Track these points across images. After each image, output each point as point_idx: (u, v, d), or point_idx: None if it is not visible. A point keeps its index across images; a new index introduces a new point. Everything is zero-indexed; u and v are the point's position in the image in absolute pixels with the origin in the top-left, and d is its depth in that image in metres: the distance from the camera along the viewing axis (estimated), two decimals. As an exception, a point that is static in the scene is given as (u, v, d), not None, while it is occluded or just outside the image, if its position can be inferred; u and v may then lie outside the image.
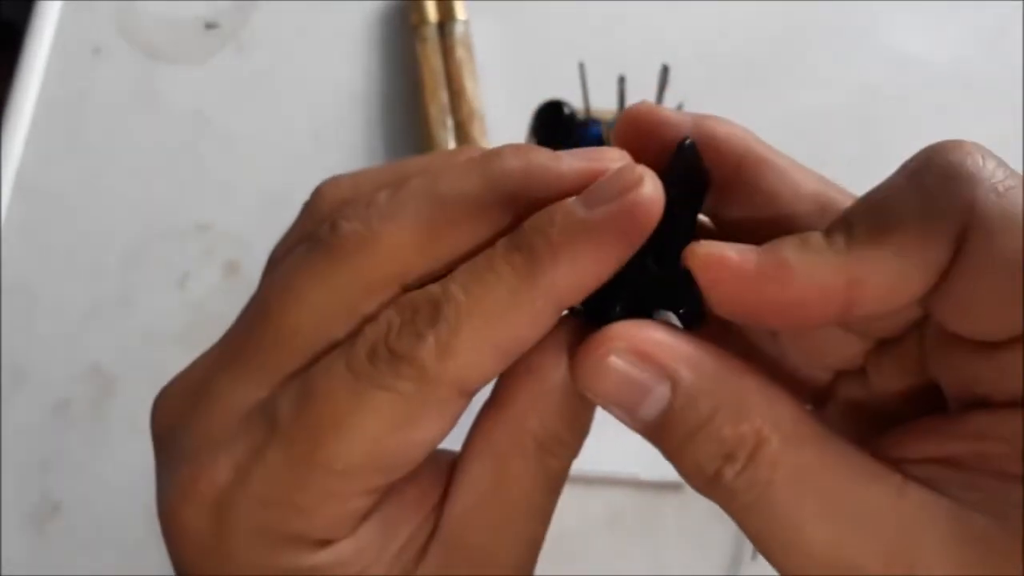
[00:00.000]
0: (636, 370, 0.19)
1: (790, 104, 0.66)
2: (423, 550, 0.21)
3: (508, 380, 0.21)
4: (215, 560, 0.21)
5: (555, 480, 0.22)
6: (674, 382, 0.19)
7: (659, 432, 0.20)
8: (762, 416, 0.19)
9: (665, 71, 0.52)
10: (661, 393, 0.19)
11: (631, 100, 0.54)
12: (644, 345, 0.19)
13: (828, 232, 0.19)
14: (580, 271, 0.19)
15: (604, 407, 0.20)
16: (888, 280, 0.19)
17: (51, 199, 0.65)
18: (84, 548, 0.55)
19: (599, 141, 0.57)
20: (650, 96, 0.53)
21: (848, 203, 0.21)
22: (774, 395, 0.19)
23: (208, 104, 0.68)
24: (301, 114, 0.67)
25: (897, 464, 0.19)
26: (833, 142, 0.64)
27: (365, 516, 0.21)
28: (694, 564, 0.54)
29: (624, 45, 0.67)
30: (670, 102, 0.53)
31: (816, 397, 0.24)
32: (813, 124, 0.65)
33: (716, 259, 0.19)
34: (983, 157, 0.19)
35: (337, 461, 0.19)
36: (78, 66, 0.69)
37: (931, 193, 0.19)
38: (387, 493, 0.21)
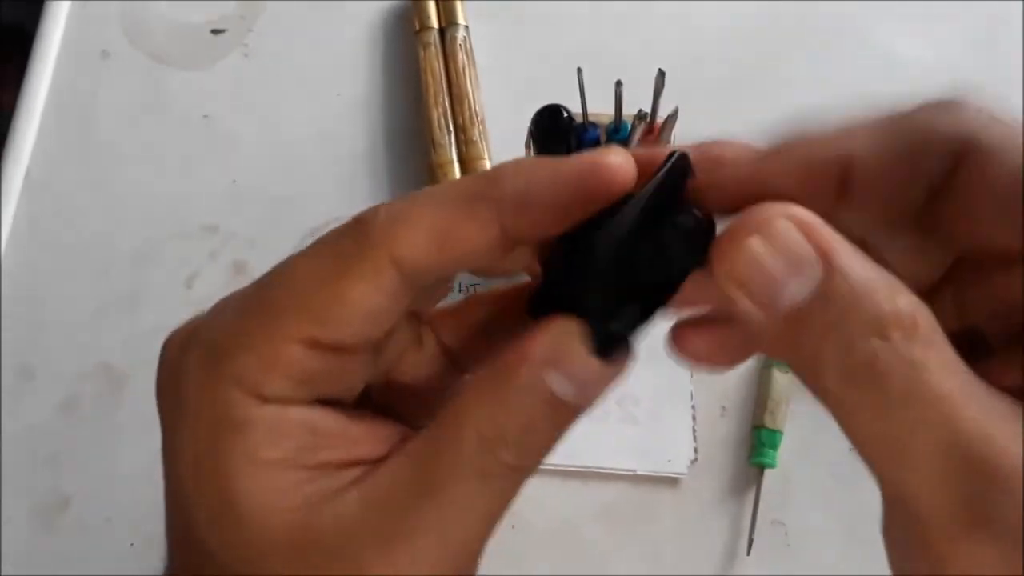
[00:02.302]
0: (795, 243, 0.19)
1: (784, 107, 0.66)
2: (339, 492, 0.21)
3: (477, 372, 0.22)
4: (172, 388, 0.22)
5: (496, 478, 0.21)
6: (830, 258, 0.19)
7: (804, 318, 0.19)
8: (913, 299, 0.19)
9: (661, 76, 0.53)
10: (812, 272, 0.19)
11: (627, 104, 0.55)
12: (805, 218, 0.19)
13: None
14: (527, 192, 0.21)
15: (742, 296, 0.19)
16: (881, 167, 0.21)
17: (60, 200, 0.65)
18: (93, 543, 0.56)
19: (596, 144, 0.57)
20: (646, 100, 0.54)
21: None
22: (904, 287, 0.19)
23: (214, 107, 0.68)
24: (305, 117, 0.68)
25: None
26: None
27: (300, 392, 0.22)
28: (690, 558, 0.54)
29: (621, 50, 0.67)
30: (666, 106, 0.54)
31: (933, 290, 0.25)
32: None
33: (714, 162, 0.22)
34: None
35: (275, 303, 0.22)
36: (86, 69, 0.70)
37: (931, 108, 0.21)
38: (327, 413, 0.22)
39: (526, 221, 0.21)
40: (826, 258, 0.19)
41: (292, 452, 0.21)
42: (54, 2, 0.72)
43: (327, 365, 0.22)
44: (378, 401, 0.26)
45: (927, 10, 0.71)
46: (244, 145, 0.67)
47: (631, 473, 0.55)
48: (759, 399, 0.56)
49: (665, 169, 0.22)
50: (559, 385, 0.21)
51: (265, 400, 0.21)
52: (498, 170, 0.22)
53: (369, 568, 0.20)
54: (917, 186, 0.21)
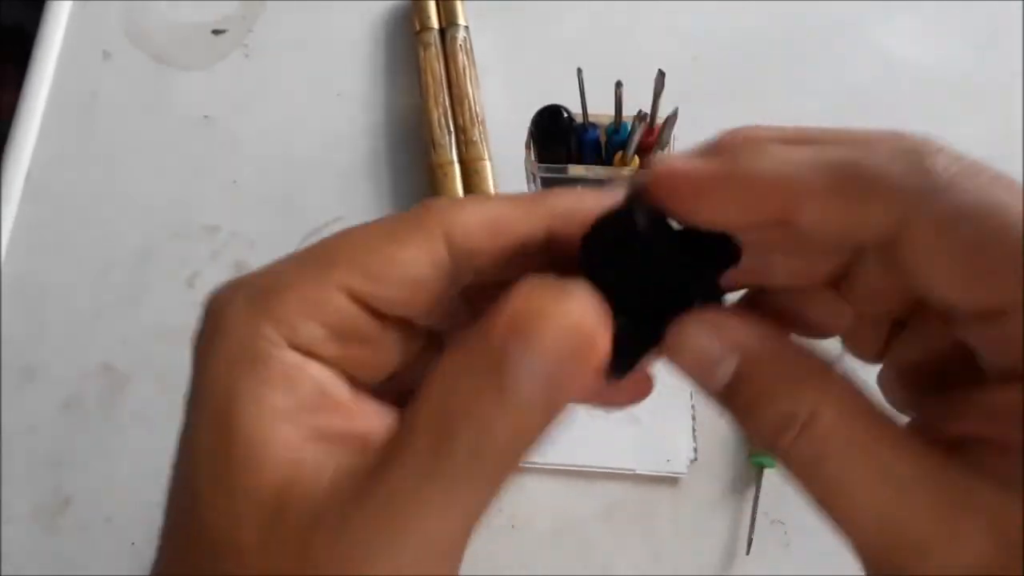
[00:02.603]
0: (711, 342, 0.22)
1: (784, 107, 0.67)
2: (323, 465, 0.21)
3: (445, 353, 0.22)
4: (211, 327, 0.23)
5: (449, 466, 0.20)
6: (742, 355, 0.21)
7: (727, 398, 0.22)
8: (816, 389, 0.21)
9: (661, 76, 0.53)
10: (729, 363, 0.21)
11: (627, 104, 0.55)
12: (720, 322, 0.22)
13: (795, 147, 0.23)
14: (576, 208, 0.23)
15: (685, 375, 0.22)
16: (824, 219, 0.21)
17: (61, 200, 0.66)
18: (94, 543, 0.56)
19: (596, 144, 0.57)
20: (646, 101, 0.54)
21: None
22: (828, 373, 0.21)
23: (215, 108, 0.69)
24: (306, 118, 0.68)
25: (939, 439, 0.20)
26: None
27: (330, 347, 0.22)
28: (690, 556, 0.54)
29: (621, 51, 0.67)
30: (665, 107, 0.54)
31: (876, 358, 0.26)
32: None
33: (667, 172, 0.22)
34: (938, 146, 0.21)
35: (327, 254, 0.23)
36: (87, 70, 0.70)
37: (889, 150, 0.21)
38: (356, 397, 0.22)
39: (569, 229, 0.23)
40: (740, 353, 0.21)
41: (297, 405, 0.21)
42: (55, 2, 0.72)
43: (364, 326, 0.23)
44: (393, 403, 0.26)
45: (927, 11, 0.71)
46: (245, 145, 0.67)
47: (631, 472, 0.55)
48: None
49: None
50: (517, 376, 0.20)
51: (294, 345, 0.22)
52: (549, 191, 0.24)
53: (316, 552, 0.20)
54: (864, 230, 0.21)
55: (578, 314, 0.20)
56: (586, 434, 0.55)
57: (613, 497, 0.55)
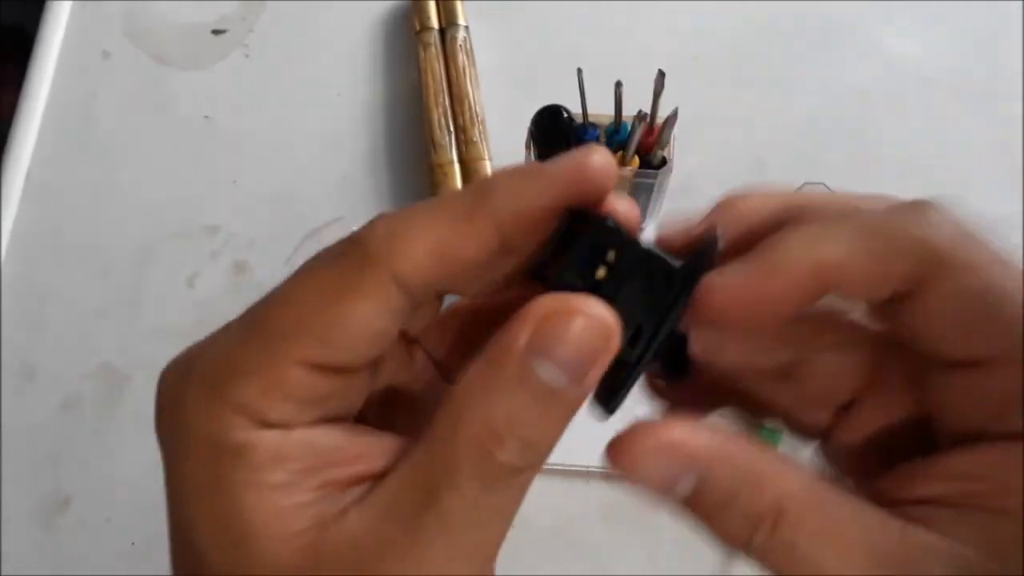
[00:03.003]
0: (667, 465, 0.21)
1: (784, 107, 0.67)
2: (343, 511, 0.21)
3: (463, 372, 0.22)
4: (172, 417, 0.22)
5: (496, 480, 0.21)
6: (699, 472, 0.21)
7: (691, 507, 0.22)
8: (777, 489, 0.21)
9: (661, 76, 0.53)
10: (689, 479, 0.21)
11: (627, 105, 0.55)
12: (670, 442, 0.21)
13: (820, 222, 0.23)
14: (518, 197, 0.22)
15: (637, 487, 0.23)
16: (855, 267, 0.22)
17: (60, 200, 0.66)
18: (93, 542, 0.56)
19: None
20: (646, 101, 0.54)
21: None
22: (783, 467, 0.22)
23: (215, 108, 0.69)
24: (306, 117, 0.68)
25: (897, 506, 0.21)
26: (826, 145, 0.65)
27: (303, 415, 0.22)
28: (689, 556, 0.54)
29: (621, 51, 0.67)
30: (665, 107, 0.54)
31: (819, 435, 0.27)
32: (807, 127, 0.66)
33: (711, 290, 0.22)
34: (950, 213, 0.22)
35: (276, 326, 0.21)
36: (87, 70, 0.70)
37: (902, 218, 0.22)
38: (328, 425, 0.22)
39: (522, 229, 0.22)
40: (696, 470, 0.21)
41: (296, 475, 0.21)
42: (55, 2, 0.72)
43: (330, 386, 0.22)
44: (374, 415, 0.25)
45: (927, 11, 0.71)
46: (245, 145, 0.67)
47: (631, 473, 0.55)
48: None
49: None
50: (547, 373, 0.20)
51: (267, 425, 0.21)
52: (490, 182, 0.22)
53: None
54: (883, 290, 0.22)
55: (597, 308, 0.21)
56: (585, 434, 0.54)
57: (612, 497, 0.55)
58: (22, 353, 0.61)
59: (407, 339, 0.27)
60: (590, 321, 0.20)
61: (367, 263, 0.21)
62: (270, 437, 0.21)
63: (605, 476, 0.55)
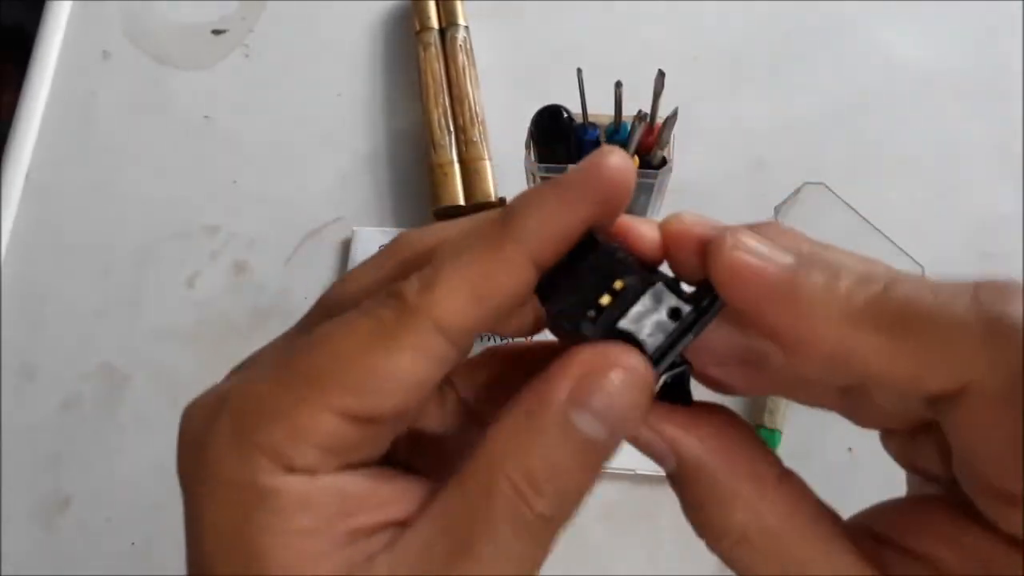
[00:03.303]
0: (653, 442, 0.22)
1: (784, 107, 0.67)
2: (371, 558, 0.21)
3: (498, 420, 0.21)
4: (195, 457, 0.22)
5: (530, 530, 0.21)
6: (678, 460, 0.22)
7: (675, 486, 0.23)
8: (745, 512, 0.21)
9: (661, 76, 0.53)
10: (670, 462, 0.22)
11: (627, 104, 0.55)
12: (662, 427, 0.22)
13: (862, 281, 0.20)
14: (547, 220, 0.21)
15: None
16: (876, 365, 0.19)
17: (60, 200, 0.66)
18: (93, 542, 0.56)
19: (596, 144, 0.57)
20: (646, 101, 0.54)
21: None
22: (766, 491, 0.22)
23: (215, 108, 0.69)
24: (306, 118, 0.68)
25: (895, 542, 0.21)
26: (827, 145, 0.65)
27: (330, 462, 0.21)
28: (688, 556, 0.54)
29: (621, 51, 0.68)
30: (665, 107, 0.54)
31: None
32: (807, 127, 0.66)
33: (737, 269, 0.20)
34: None
35: (310, 372, 0.21)
36: (87, 70, 0.70)
37: (966, 326, 0.18)
38: (359, 475, 0.22)
39: (554, 251, 0.21)
40: (676, 456, 0.22)
41: (323, 521, 0.21)
42: (55, 3, 0.72)
43: (359, 435, 0.21)
44: (401, 457, 0.25)
45: (927, 10, 0.71)
46: (245, 145, 0.67)
47: (631, 472, 0.55)
48: (758, 399, 0.56)
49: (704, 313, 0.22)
50: (588, 425, 0.20)
51: (293, 470, 0.21)
52: (513, 209, 0.22)
53: None
54: (919, 383, 0.19)
55: (635, 360, 0.21)
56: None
57: (613, 497, 0.55)
58: (22, 353, 0.61)
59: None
60: (629, 375, 0.20)
61: (406, 313, 0.21)
62: (296, 483, 0.21)
63: (606, 476, 0.55)
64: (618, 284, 0.21)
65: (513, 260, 0.21)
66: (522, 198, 0.22)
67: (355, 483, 0.22)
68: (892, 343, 0.19)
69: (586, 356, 0.21)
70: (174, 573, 0.54)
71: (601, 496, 0.55)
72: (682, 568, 0.54)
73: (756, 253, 0.20)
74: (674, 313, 0.21)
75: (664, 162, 0.56)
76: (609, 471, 0.55)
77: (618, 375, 0.20)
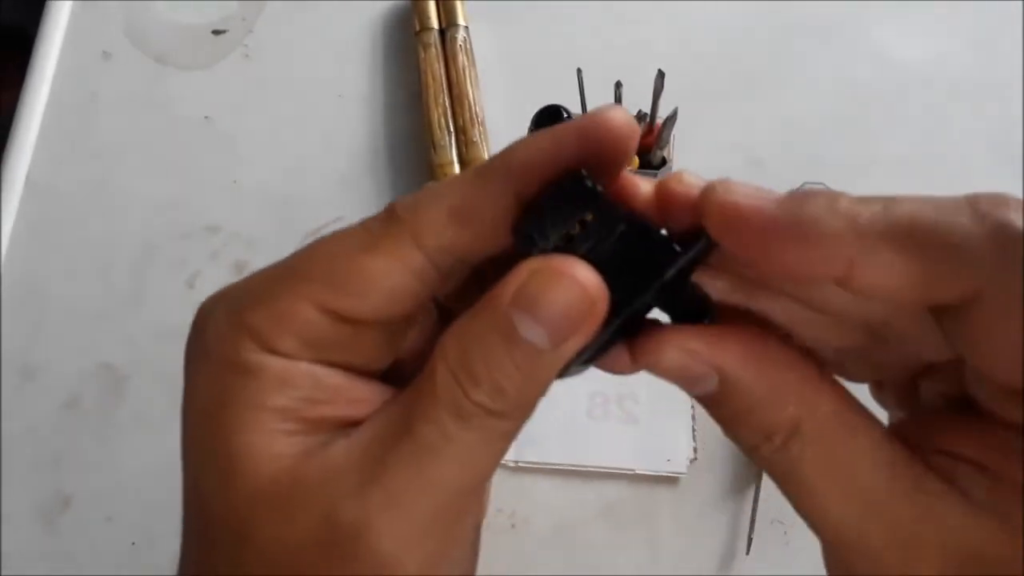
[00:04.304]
0: (688, 363, 0.22)
1: (783, 107, 0.67)
2: (328, 442, 0.22)
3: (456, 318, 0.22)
4: (196, 339, 0.24)
5: (470, 419, 0.21)
6: (721, 375, 0.21)
7: (711, 406, 0.22)
8: (799, 406, 0.21)
9: (660, 76, 0.53)
10: (711, 380, 0.22)
11: (627, 104, 0.55)
12: (694, 345, 0.22)
13: (860, 200, 0.20)
14: (533, 153, 0.22)
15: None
16: (887, 280, 0.19)
17: (61, 200, 0.66)
18: (94, 542, 0.56)
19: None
20: (645, 101, 0.54)
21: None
22: (815, 386, 0.21)
23: (215, 108, 0.68)
24: (306, 118, 0.68)
25: (927, 449, 0.21)
26: (825, 144, 0.65)
27: (308, 353, 0.22)
28: (690, 557, 0.54)
29: (621, 51, 0.67)
30: (665, 107, 0.54)
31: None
32: (806, 127, 0.66)
33: (731, 209, 0.20)
34: None
35: (298, 268, 0.23)
36: (88, 70, 0.70)
37: (970, 236, 0.19)
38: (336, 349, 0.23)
39: (535, 179, 0.22)
40: (719, 373, 0.21)
41: (295, 402, 0.22)
42: (55, 3, 0.72)
43: (338, 334, 0.23)
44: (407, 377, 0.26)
45: (927, 10, 0.71)
46: (245, 145, 0.67)
47: (630, 472, 0.55)
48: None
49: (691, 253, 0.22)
50: (528, 329, 0.20)
51: (275, 352, 0.22)
52: (510, 145, 0.23)
53: (344, 513, 0.21)
54: (930, 295, 0.20)
55: (585, 274, 0.21)
56: (585, 434, 0.55)
57: (613, 497, 0.55)
58: (22, 353, 0.60)
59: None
60: (575, 286, 0.20)
61: (389, 223, 0.22)
62: (276, 362, 0.22)
63: (605, 476, 0.55)
64: (589, 216, 0.21)
65: (494, 185, 0.22)
66: (518, 140, 0.22)
67: (331, 376, 0.23)
68: (902, 257, 0.19)
69: (537, 264, 0.21)
70: (175, 573, 0.54)
71: (601, 496, 0.55)
72: (682, 568, 0.54)
73: (750, 193, 0.20)
74: (647, 249, 0.21)
75: (664, 162, 0.56)
76: (608, 471, 0.55)
77: (564, 285, 0.20)
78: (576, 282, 0.20)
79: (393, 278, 0.22)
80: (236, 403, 0.22)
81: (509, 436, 0.22)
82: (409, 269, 0.22)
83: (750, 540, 0.53)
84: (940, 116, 0.66)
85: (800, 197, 0.20)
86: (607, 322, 0.21)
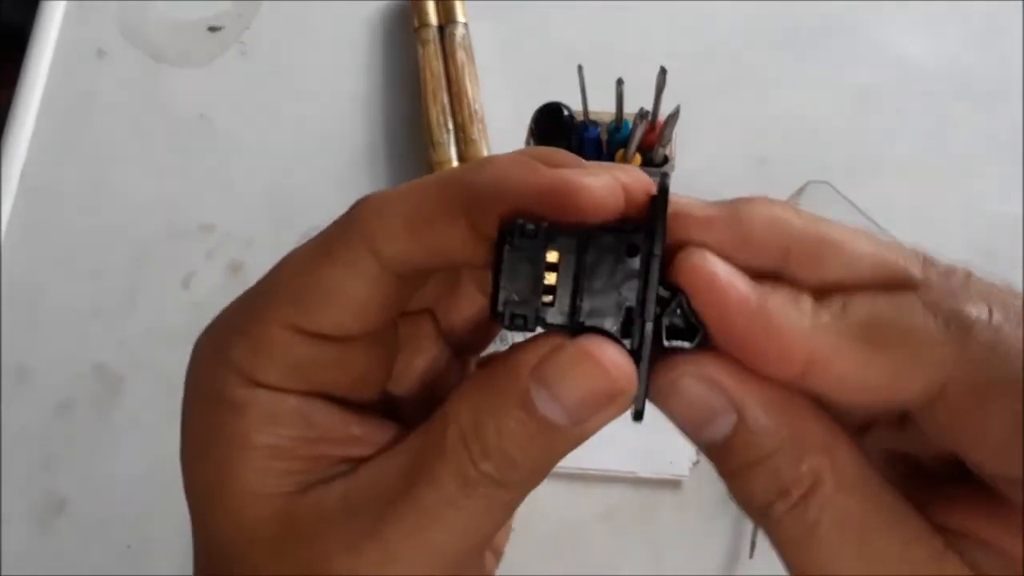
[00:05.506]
0: (707, 395, 0.20)
1: (786, 105, 0.66)
2: (325, 482, 0.22)
3: (470, 376, 0.21)
4: (189, 373, 0.23)
5: (475, 488, 0.20)
6: (741, 414, 0.20)
7: (718, 454, 0.20)
8: (821, 458, 0.19)
9: (663, 73, 0.52)
10: (727, 420, 0.20)
11: (629, 102, 0.54)
12: (716, 374, 0.20)
13: (823, 301, 0.19)
14: (494, 187, 0.21)
15: (671, 421, 0.21)
16: (850, 378, 0.19)
17: (55, 200, 0.65)
18: (89, 544, 0.55)
19: (597, 142, 0.57)
20: (647, 98, 0.53)
21: (902, 262, 0.20)
22: (836, 438, 0.20)
23: (211, 106, 0.68)
24: (303, 116, 0.68)
25: (938, 528, 0.20)
26: (829, 144, 0.65)
27: (293, 380, 0.22)
28: (692, 560, 0.54)
29: (622, 48, 0.67)
30: (667, 104, 0.53)
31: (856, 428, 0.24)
32: (809, 126, 0.65)
33: (704, 275, 0.19)
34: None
35: (266, 289, 0.23)
36: (82, 68, 0.70)
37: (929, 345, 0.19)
38: (316, 410, 0.22)
39: (489, 216, 0.21)
40: (739, 411, 0.20)
41: (286, 440, 0.22)
42: (50, 1, 0.72)
43: (318, 355, 0.22)
44: (409, 414, 0.25)
45: (928, 10, 0.70)
46: (241, 144, 0.67)
47: (632, 475, 0.55)
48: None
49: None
50: (546, 406, 0.20)
51: (259, 384, 0.22)
52: (479, 161, 0.22)
53: (336, 565, 0.20)
54: (893, 397, 0.19)
55: (613, 356, 0.20)
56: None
57: (614, 500, 0.55)
58: (17, 354, 0.60)
59: (455, 347, 0.27)
60: (600, 372, 0.20)
61: (348, 232, 0.22)
62: (264, 398, 0.22)
63: (607, 479, 0.55)
64: (553, 256, 0.20)
65: (453, 208, 0.21)
66: (493, 157, 0.21)
67: (325, 412, 0.22)
68: (863, 356, 0.19)
69: (562, 339, 0.20)
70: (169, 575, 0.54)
71: (601, 499, 0.55)
72: (684, 572, 0.54)
73: (728, 270, 0.20)
74: (630, 249, 0.20)
75: (666, 160, 0.56)
76: (610, 474, 0.55)
77: (588, 367, 0.20)
78: (602, 367, 0.20)
79: (351, 288, 0.21)
80: (224, 440, 0.22)
81: (514, 506, 0.21)
82: (366, 278, 0.21)
83: (753, 544, 0.53)
84: (945, 114, 0.66)
85: (765, 289, 0.19)
86: (640, 334, 0.20)
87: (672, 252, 0.20)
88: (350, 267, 0.21)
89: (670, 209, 0.20)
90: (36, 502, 0.56)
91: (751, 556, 0.53)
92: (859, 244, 0.20)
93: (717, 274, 0.19)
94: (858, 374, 0.19)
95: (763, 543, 0.53)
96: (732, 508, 0.54)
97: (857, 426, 0.23)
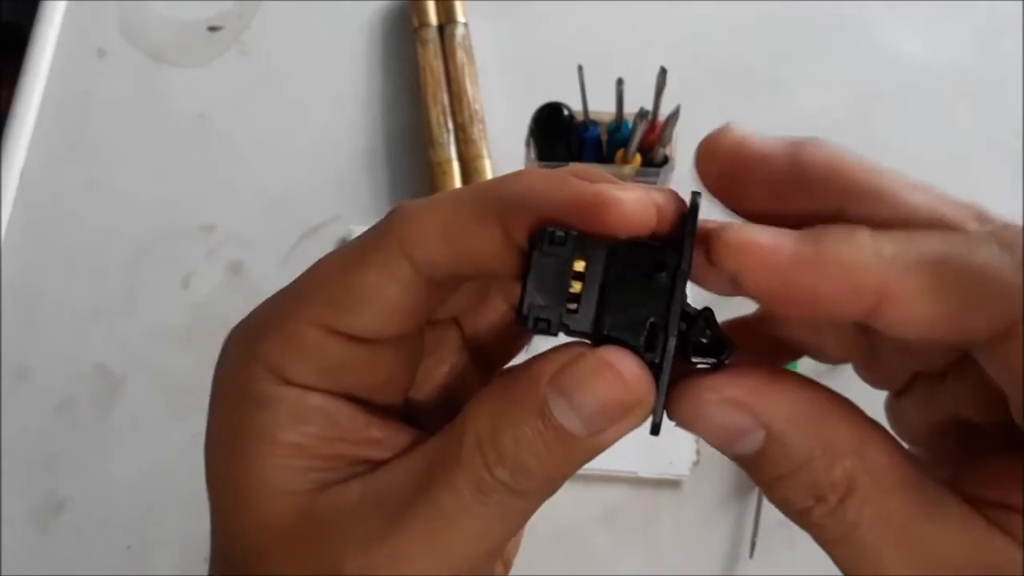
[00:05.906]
0: (733, 416, 0.20)
1: (787, 106, 0.66)
2: (343, 482, 0.22)
3: (493, 382, 0.22)
4: (218, 368, 0.24)
5: (490, 493, 0.21)
6: (768, 430, 0.20)
7: (753, 467, 0.20)
8: (854, 461, 0.19)
9: (663, 73, 0.52)
10: (756, 437, 0.20)
11: (629, 102, 0.54)
12: (739, 395, 0.20)
13: (880, 233, 0.19)
14: (523, 197, 0.21)
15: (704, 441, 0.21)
16: (918, 315, 0.18)
17: (55, 199, 0.65)
18: (89, 545, 0.55)
19: (597, 142, 0.57)
20: (647, 98, 0.53)
21: (960, 216, 0.20)
22: (867, 437, 0.20)
23: (211, 106, 0.68)
24: (303, 116, 0.68)
25: (979, 502, 0.19)
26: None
27: (321, 380, 0.22)
28: (692, 560, 0.54)
29: (622, 48, 0.67)
30: (667, 104, 0.53)
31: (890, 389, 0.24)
32: (810, 126, 0.65)
33: (745, 245, 0.19)
34: None
35: (300, 289, 0.23)
36: (82, 68, 0.70)
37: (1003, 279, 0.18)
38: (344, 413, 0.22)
39: (522, 225, 0.21)
40: (766, 428, 0.20)
41: (309, 438, 0.22)
42: (50, 1, 0.72)
43: (349, 356, 0.22)
44: (428, 421, 0.25)
45: (928, 10, 0.70)
46: (241, 144, 0.67)
47: (633, 475, 0.55)
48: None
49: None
50: (563, 414, 0.20)
51: (288, 382, 0.22)
52: (512, 175, 0.22)
53: (349, 564, 0.21)
54: (961, 336, 0.19)
55: (630, 367, 0.20)
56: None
57: (615, 500, 0.55)
58: (17, 355, 0.60)
59: (478, 359, 0.27)
60: (618, 382, 0.20)
61: (384, 236, 0.22)
62: (290, 394, 0.22)
63: (608, 479, 0.55)
64: (580, 265, 0.21)
65: (487, 217, 0.21)
66: (524, 170, 0.22)
67: (348, 415, 0.23)
68: (932, 291, 0.18)
69: (581, 348, 0.20)
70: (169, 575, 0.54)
71: (603, 499, 0.55)
72: (685, 571, 0.54)
73: (765, 231, 0.19)
74: (657, 263, 0.20)
75: (666, 160, 0.56)
76: (611, 474, 0.55)
77: (606, 377, 0.20)
78: (620, 377, 0.20)
79: (384, 291, 0.22)
80: (249, 435, 0.22)
81: (528, 515, 0.22)
82: (399, 281, 0.22)
83: (753, 544, 0.53)
84: (943, 115, 0.66)
85: (816, 232, 0.19)
86: (663, 348, 0.20)
87: (706, 234, 0.20)
88: (384, 270, 0.22)
89: (699, 228, 0.20)
90: (36, 502, 0.56)
91: (751, 556, 0.53)
92: (916, 191, 0.20)
93: (756, 242, 0.19)
94: (927, 310, 0.18)
95: (763, 543, 0.53)
96: (732, 508, 0.54)
97: (905, 380, 0.23)
